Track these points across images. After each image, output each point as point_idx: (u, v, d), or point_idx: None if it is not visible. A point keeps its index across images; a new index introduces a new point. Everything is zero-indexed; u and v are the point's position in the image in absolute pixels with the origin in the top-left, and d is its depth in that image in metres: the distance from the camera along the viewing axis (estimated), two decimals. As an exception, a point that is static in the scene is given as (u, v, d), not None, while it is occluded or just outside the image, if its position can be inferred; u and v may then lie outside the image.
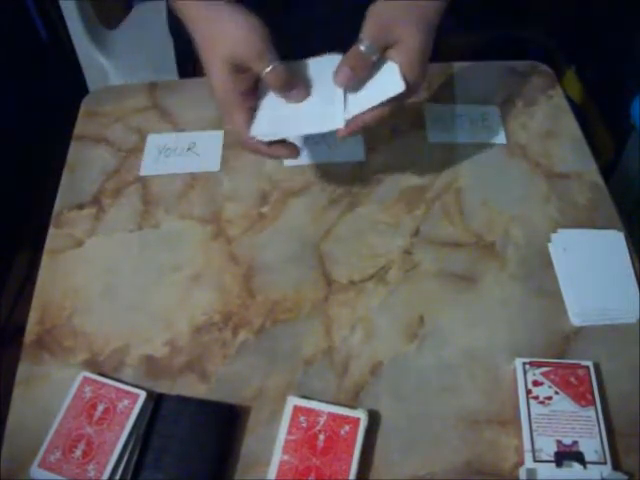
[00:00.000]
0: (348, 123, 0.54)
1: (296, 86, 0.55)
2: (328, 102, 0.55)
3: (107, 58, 1.35)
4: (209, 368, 0.57)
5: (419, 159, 0.71)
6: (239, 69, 0.54)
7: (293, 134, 0.59)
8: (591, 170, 0.71)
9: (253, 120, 0.56)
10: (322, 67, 0.57)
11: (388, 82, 0.54)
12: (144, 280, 0.62)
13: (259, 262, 0.63)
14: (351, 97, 0.55)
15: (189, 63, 0.87)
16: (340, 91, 0.55)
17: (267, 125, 0.56)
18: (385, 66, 0.55)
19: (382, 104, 0.54)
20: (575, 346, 0.57)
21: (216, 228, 0.66)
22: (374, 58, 0.54)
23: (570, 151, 0.73)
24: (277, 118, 0.56)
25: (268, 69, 0.53)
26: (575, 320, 0.59)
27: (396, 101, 0.55)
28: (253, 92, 0.57)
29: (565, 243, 0.63)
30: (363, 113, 0.54)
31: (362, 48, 0.53)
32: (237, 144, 0.73)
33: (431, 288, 0.61)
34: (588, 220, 0.66)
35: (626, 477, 0.49)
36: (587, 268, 0.62)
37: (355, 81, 0.55)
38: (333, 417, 0.51)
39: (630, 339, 0.58)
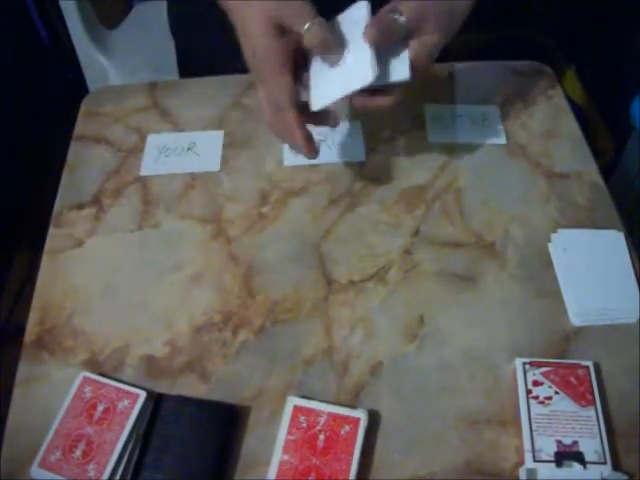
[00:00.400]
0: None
1: (334, 43, 0.54)
2: (361, 60, 0.54)
3: (107, 58, 1.35)
4: (209, 368, 0.57)
5: (419, 159, 0.71)
6: (280, 30, 0.53)
7: (342, 95, 0.56)
8: (591, 170, 0.71)
9: (300, 92, 0.55)
10: (352, 20, 0.56)
11: (396, 67, 0.55)
12: (144, 280, 0.62)
13: (259, 262, 0.63)
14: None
15: (189, 63, 0.87)
16: (370, 50, 0.54)
17: (325, 95, 0.55)
18: (398, 50, 0.55)
19: (385, 87, 0.54)
20: (575, 346, 0.57)
21: (216, 228, 0.66)
22: (402, 32, 0.54)
23: (570, 151, 0.73)
24: (328, 85, 0.56)
25: (307, 25, 0.52)
26: (575, 320, 0.59)
27: (396, 89, 0.55)
28: (292, 60, 0.55)
29: (565, 243, 0.63)
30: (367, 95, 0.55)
31: (396, 16, 0.53)
32: (236, 144, 0.73)
33: (431, 288, 0.61)
34: (588, 220, 0.66)
35: (626, 477, 0.49)
36: (587, 268, 0.62)
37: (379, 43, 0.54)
38: (333, 417, 0.51)
39: (630, 339, 0.58)
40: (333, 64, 0.56)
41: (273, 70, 0.53)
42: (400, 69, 0.55)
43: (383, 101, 0.56)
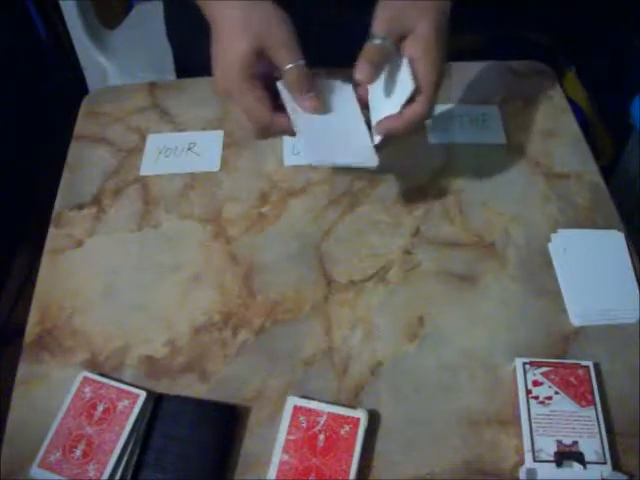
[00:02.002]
0: (378, 147, 0.55)
1: (312, 91, 0.54)
2: (360, 139, 0.55)
3: (107, 58, 1.35)
4: (209, 368, 0.57)
5: (419, 159, 0.71)
6: (260, 54, 0.52)
7: (345, 164, 0.57)
8: (591, 170, 0.71)
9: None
10: (337, 87, 0.57)
11: (401, 84, 0.54)
12: (144, 280, 0.62)
13: (259, 262, 0.63)
14: (374, 113, 0.56)
15: (187, 69, 0.87)
16: (363, 125, 0.56)
17: (324, 155, 0.55)
18: (397, 66, 0.55)
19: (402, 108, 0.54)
20: (575, 346, 0.57)
21: (216, 228, 0.66)
22: (390, 49, 0.53)
23: (570, 151, 0.73)
24: (324, 144, 0.55)
25: (291, 64, 0.52)
26: (575, 320, 0.59)
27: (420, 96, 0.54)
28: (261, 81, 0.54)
29: (565, 243, 0.63)
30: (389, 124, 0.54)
31: (377, 42, 0.53)
32: (236, 144, 0.73)
33: (431, 288, 0.61)
34: (588, 220, 0.66)
35: (626, 477, 0.49)
36: (587, 268, 0.62)
37: (376, 78, 0.54)
38: (333, 417, 0.51)
39: (630, 339, 0.58)
40: (324, 123, 0.56)
41: (245, 85, 0.52)
42: (404, 84, 0.54)
43: (418, 108, 0.54)
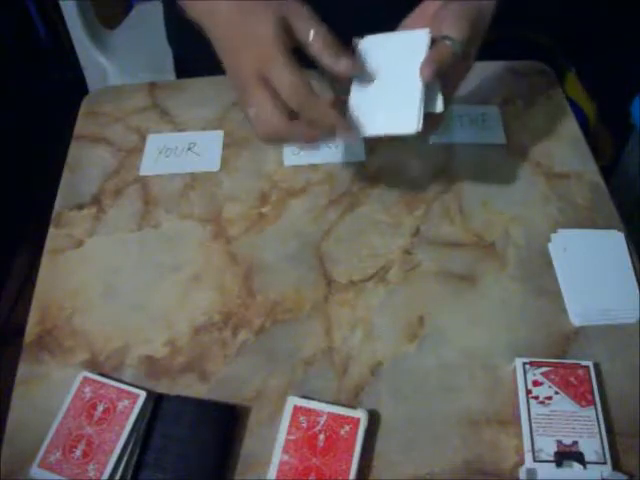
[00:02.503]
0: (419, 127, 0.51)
1: (344, 55, 0.51)
2: (409, 104, 0.52)
3: (107, 58, 1.35)
4: (209, 368, 0.57)
5: (419, 159, 0.71)
6: (287, 30, 0.49)
7: (385, 133, 0.54)
8: (591, 170, 0.71)
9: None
10: (410, 44, 0.54)
11: (430, 99, 0.53)
12: (144, 280, 0.62)
13: (259, 262, 0.63)
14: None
15: (187, 71, 0.87)
16: (420, 97, 0.52)
17: (371, 124, 0.53)
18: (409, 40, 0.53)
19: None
20: (575, 346, 0.57)
21: (216, 228, 0.66)
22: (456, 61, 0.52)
23: (570, 151, 0.73)
24: (371, 112, 0.53)
25: (313, 32, 0.49)
26: (575, 320, 0.59)
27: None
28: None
29: (565, 243, 0.63)
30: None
31: (452, 48, 0.52)
32: (236, 144, 0.73)
33: (431, 288, 0.61)
34: (588, 220, 0.66)
35: (626, 477, 0.49)
36: (587, 268, 0.62)
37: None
38: (333, 417, 0.51)
39: (630, 339, 0.58)
40: (378, 88, 0.54)
41: (286, 60, 0.49)
42: (434, 101, 0.53)
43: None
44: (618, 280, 0.61)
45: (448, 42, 0.52)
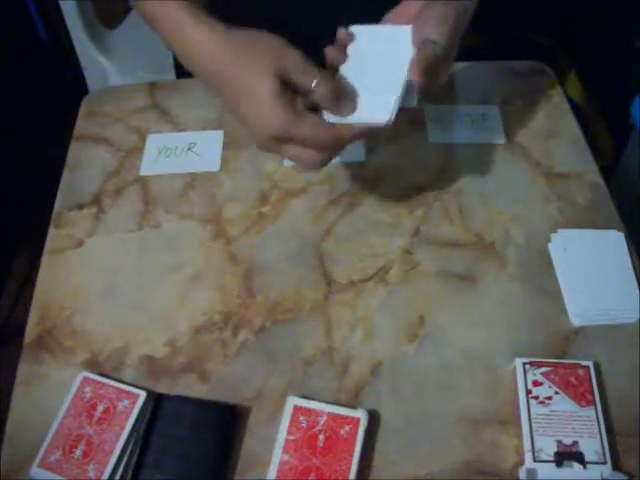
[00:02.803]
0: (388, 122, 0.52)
1: (346, 97, 0.52)
2: (386, 95, 0.52)
3: (107, 58, 1.34)
4: (209, 368, 0.57)
5: (419, 159, 0.71)
6: (287, 85, 0.50)
7: (357, 122, 0.53)
8: (591, 170, 0.71)
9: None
10: (393, 38, 0.55)
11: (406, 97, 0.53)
12: (144, 280, 0.62)
13: (259, 262, 0.63)
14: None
15: (188, 73, 0.87)
16: (399, 93, 0.52)
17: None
18: (391, 35, 0.54)
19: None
20: (575, 346, 0.57)
21: (216, 228, 0.66)
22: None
23: (570, 151, 0.73)
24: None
25: (316, 81, 0.50)
26: (575, 320, 0.59)
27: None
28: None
29: (565, 243, 0.63)
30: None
31: (435, 50, 0.52)
32: (236, 144, 0.73)
33: (431, 288, 0.61)
34: (588, 220, 0.66)
35: (626, 477, 0.49)
36: (587, 268, 0.62)
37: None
38: (333, 417, 0.51)
39: (630, 339, 0.58)
40: (360, 78, 0.54)
41: (295, 120, 0.49)
42: (410, 96, 0.53)
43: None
44: (618, 280, 0.61)
45: (431, 45, 0.53)
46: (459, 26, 0.55)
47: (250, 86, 0.50)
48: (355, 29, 0.56)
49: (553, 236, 0.64)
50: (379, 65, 0.55)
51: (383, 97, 0.52)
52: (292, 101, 0.50)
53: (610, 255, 0.62)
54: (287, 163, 0.71)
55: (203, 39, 0.51)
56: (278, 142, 0.51)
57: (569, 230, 0.65)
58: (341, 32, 0.56)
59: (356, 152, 0.72)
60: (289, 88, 0.50)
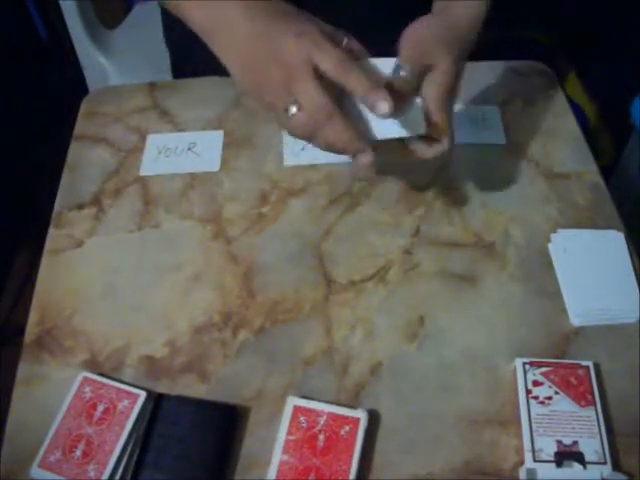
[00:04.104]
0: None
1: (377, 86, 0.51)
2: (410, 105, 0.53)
3: (107, 58, 1.34)
4: (209, 368, 0.57)
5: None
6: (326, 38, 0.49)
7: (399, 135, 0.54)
8: (591, 170, 0.71)
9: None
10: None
11: (412, 123, 0.53)
12: (144, 280, 0.62)
13: (259, 262, 0.63)
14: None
15: (185, 76, 0.86)
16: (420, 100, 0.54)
17: (387, 128, 0.53)
18: (413, 103, 0.54)
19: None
20: (575, 346, 0.57)
21: (216, 228, 0.66)
22: (414, 85, 0.53)
23: (570, 151, 0.73)
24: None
25: (345, 39, 0.50)
26: (575, 320, 0.59)
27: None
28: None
29: (565, 243, 0.63)
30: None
31: (404, 75, 0.52)
32: (236, 144, 0.73)
33: (431, 288, 0.61)
34: (588, 220, 0.66)
35: (626, 477, 0.49)
36: (587, 268, 0.62)
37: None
38: (333, 417, 0.51)
39: (630, 339, 0.58)
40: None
41: (331, 109, 0.48)
42: (416, 124, 0.53)
43: (441, 148, 0.55)
44: (618, 280, 0.61)
45: (402, 73, 0.52)
46: (465, 49, 0.54)
47: (276, 56, 0.48)
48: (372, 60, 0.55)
49: (553, 236, 0.64)
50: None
51: (410, 111, 0.53)
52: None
53: (610, 255, 0.63)
54: (287, 163, 0.71)
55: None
56: (303, 72, 0.48)
57: (569, 230, 0.65)
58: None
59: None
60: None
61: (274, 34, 0.49)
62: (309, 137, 0.50)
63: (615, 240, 0.63)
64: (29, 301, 0.61)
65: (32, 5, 1.65)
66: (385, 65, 0.54)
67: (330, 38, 0.49)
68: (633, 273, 0.61)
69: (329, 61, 0.48)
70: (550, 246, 0.64)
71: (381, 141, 0.53)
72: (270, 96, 0.50)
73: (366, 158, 0.51)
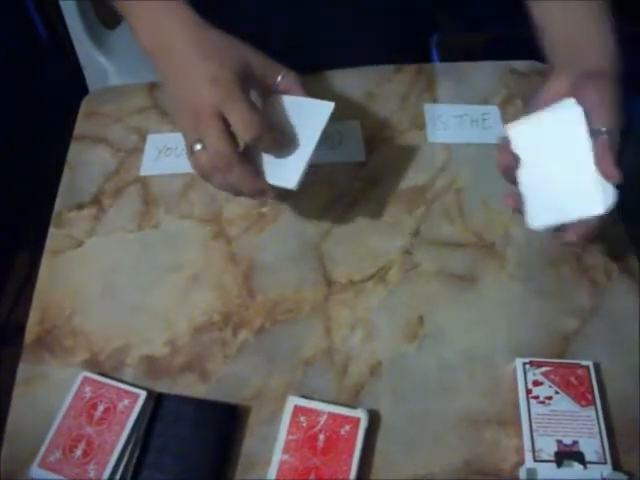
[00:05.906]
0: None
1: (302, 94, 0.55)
2: (586, 185, 0.52)
3: (107, 58, 1.34)
4: (209, 368, 0.57)
5: (419, 159, 0.71)
6: (250, 80, 0.52)
7: (569, 219, 0.52)
8: (591, 170, 0.71)
9: None
10: (564, 121, 0.53)
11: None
12: (144, 280, 0.62)
13: (259, 262, 0.63)
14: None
15: None
16: (309, 154, 0.56)
17: (547, 213, 0.52)
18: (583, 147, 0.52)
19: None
20: (575, 346, 0.57)
21: (216, 228, 0.66)
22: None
23: (570, 151, 0.72)
24: (546, 201, 0.52)
25: (281, 75, 0.53)
26: (533, 223, 0.53)
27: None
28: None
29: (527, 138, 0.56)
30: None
31: (605, 139, 0.51)
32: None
33: (431, 288, 0.61)
34: (588, 220, 0.66)
35: (626, 477, 0.49)
36: (546, 164, 0.54)
37: None
38: (333, 417, 0.51)
39: (630, 339, 0.58)
40: (548, 174, 0.53)
41: (249, 103, 0.51)
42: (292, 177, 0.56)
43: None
44: (577, 172, 0.52)
45: (605, 136, 0.51)
46: (618, 97, 0.53)
47: (211, 74, 0.51)
48: (285, 99, 0.57)
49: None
50: (298, 133, 0.56)
51: (293, 163, 0.56)
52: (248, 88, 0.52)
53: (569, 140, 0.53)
54: None
55: (181, 16, 0.53)
56: (214, 113, 0.51)
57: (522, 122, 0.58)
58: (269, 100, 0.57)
59: (356, 152, 0.72)
60: (251, 82, 0.53)
61: (194, 76, 0.52)
62: (207, 177, 0.53)
63: (572, 115, 0.54)
64: (29, 301, 0.61)
65: (32, 5, 1.65)
66: (299, 105, 0.56)
67: (261, 73, 0.53)
68: (592, 162, 0.52)
69: (235, 114, 0.51)
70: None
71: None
72: (182, 128, 0.53)
73: (266, 196, 0.56)
